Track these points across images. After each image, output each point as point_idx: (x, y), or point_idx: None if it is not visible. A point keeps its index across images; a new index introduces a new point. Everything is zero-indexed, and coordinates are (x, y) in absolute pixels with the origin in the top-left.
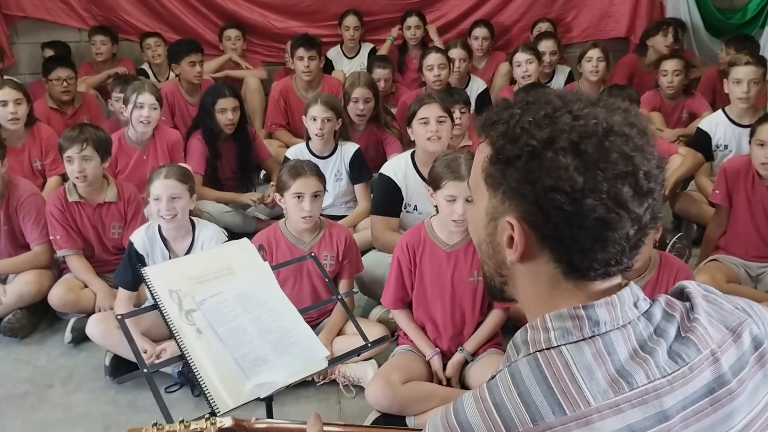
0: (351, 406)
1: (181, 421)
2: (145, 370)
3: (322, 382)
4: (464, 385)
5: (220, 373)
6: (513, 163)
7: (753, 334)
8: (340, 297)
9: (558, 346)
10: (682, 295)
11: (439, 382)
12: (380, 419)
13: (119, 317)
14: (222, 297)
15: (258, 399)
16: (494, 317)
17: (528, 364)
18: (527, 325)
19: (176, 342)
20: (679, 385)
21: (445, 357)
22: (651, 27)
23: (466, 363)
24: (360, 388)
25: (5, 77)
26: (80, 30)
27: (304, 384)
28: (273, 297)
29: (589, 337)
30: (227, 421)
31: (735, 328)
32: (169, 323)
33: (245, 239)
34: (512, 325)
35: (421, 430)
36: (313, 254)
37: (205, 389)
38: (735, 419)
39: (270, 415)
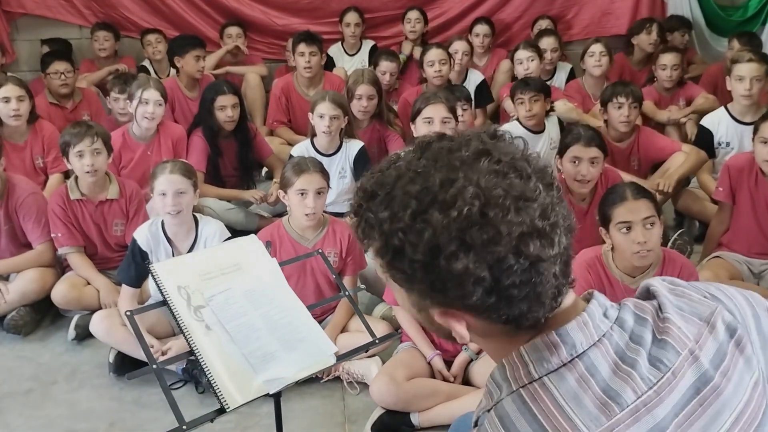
0: (355, 403)
1: None
2: (154, 366)
3: (326, 379)
4: (468, 382)
5: (229, 369)
6: (412, 276)
7: (726, 322)
8: (347, 294)
9: (540, 378)
10: (648, 294)
11: (444, 380)
12: (385, 416)
13: (128, 313)
14: (231, 293)
15: (267, 395)
16: None
17: (514, 402)
18: (503, 360)
19: (185, 338)
20: (666, 394)
21: (446, 354)
22: (635, 26)
23: (469, 361)
24: (364, 385)
25: (8, 74)
26: (81, 27)
27: (309, 381)
28: (281, 293)
29: (569, 362)
30: None
31: (708, 319)
32: (178, 319)
33: (253, 235)
34: None
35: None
36: (320, 251)
37: (214, 385)
38: (725, 414)
39: (278, 410)
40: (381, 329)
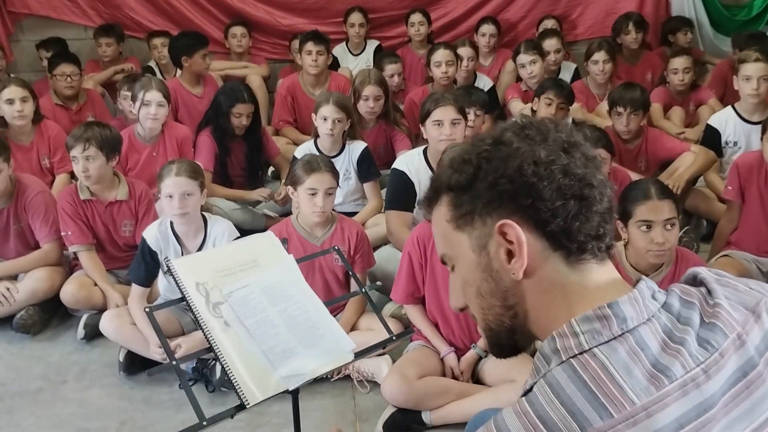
0: (366, 402)
1: None
2: (174, 363)
3: (337, 378)
4: (478, 381)
5: (248, 366)
6: (477, 176)
7: None
8: (364, 290)
9: (590, 348)
10: (695, 281)
11: (455, 378)
12: (396, 414)
13: (147, 309)
14: (249, 289)
15: (286, 391)
16: None
17: (564, 371)
18: (553, 333)
19: (204, 334)
20: (714, 372)
21: (458, 352)
22: (615, 25)
23: (479, 359)
24: (374, 384)
25: (11, 75)
26: (86, 28)
27: (319, 379)
28: (299, 290)
29: (620, 335)
30: None
31: (754, 308)
32: (197, 316)
33: (270, 232)
34: None
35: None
36: (336, 247)
37: (233, 381)
38: (766, 403)
39: (296, 407)
40: (392, 327)
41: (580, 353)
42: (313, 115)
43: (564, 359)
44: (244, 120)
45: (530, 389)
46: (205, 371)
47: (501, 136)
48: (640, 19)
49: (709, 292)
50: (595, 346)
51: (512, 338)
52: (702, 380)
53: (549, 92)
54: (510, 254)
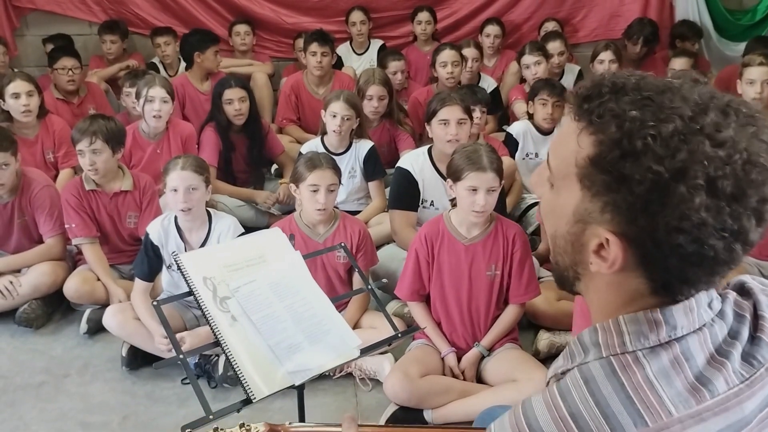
0: (368, 400)
1: (216, 429)
2: (181, 356)
3: (339, 375)
4: (480, 380)
5: (255, 361)
6: (628, 182)
7: None
8: (370, 287)
9: (634, 351)
10: (743, 290)
11: (456, 377)
12: (398, 412)
13: (155, 303)
14: (256, 285)
15: (291, 387)
16: (511, 312)
17: (602, 368)
18: (596, 325)
19: (211, 329)
20: (758, 389)
21: (461, 351)
22: (628, 30)
23: (482, 358)
24: (376, 382)
25: (15, 70)
26: (90, 23)
27: (321, 377)
28: (305, 286)
29: (666, 342)
30: (261, 427)
31: None
32: (204, 310)
33: (277, 228)
34: (527, 321)
35: (444, 425)
36: (343, 244)
37: (240, 376)
38: None
39: (302, 402)
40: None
41: (622, 353)
42: (322, 111)
43: (604, 355)
44: (236, 105)
45: (562, 375)
46: (208, 367)
47: (688, 167)
48: (651, 36)
49: (756, 303)
50: (639, 350)
51: (571, 287)
52: (745, 397)
53: (542, 93)
54: (599, 253)
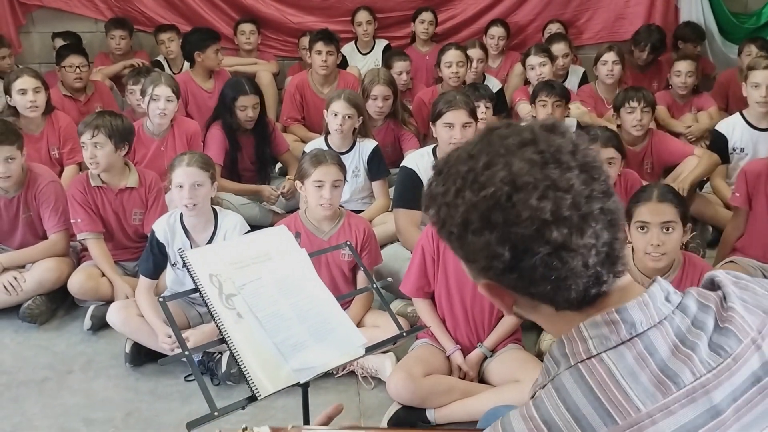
0: (370, 398)
1: None
2: (186, 353)
3: (341, 374)
4: (483, 380)
5: (260, 358)
6: (452, 244)
7: None
8: (376, 286)
9: (598, 354)
10: (713, 285)
11: (463, 377)
12: (401, 411)
13: (161, 299)
14: (261, 282)
15: (296, 385)
16: None
17: (571, 376)
18: (562, 336)
19: (216, 326)
20: (725, 378)
21: (464, 350)
22: (637, 35)
23: (484, 359)
24: (378, 381)
25: (20, 66)
26: (96, 21)
27: (324, 376)
28: (311, 284)
29: (628, 340)
30: (264, 430)
31: None
32: (210, 307)
33: (283, 226)
34: (530, 322)
35: (446, 425)
36: (348, 242)
37: (245, 373)
38: None
39: (306, 400)
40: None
41: (588, 358)
42: (324, 111)
43: (572, 364)
44: (249, 112)
45: (536, 394)
46: (211, 364)
47: (466, 218)
48: (659, 43)
49: (725, 296)
50: (603, 351)
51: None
52: (712, 387)
53: (541, 94)
54: (494, 299)
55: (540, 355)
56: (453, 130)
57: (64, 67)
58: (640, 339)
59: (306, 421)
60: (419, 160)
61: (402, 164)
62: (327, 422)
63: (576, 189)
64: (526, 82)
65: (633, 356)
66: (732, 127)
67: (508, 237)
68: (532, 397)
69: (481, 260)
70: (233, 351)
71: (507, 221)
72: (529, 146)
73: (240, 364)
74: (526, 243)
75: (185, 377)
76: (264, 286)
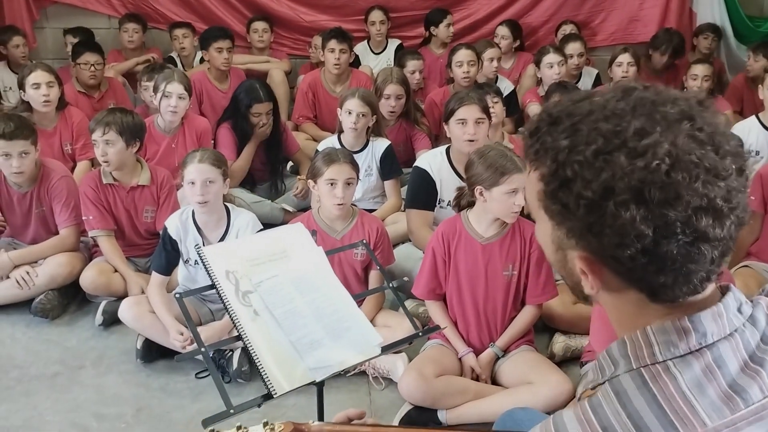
0: (381, 399)
1: (239, 427)
2: (203, 350)
3: (352, 373)
4: (495, 382)
5: (276, 356)
6: (570, 209)
7: None
8: (391, 286)
9: (664, 361)
10: None
11: (474, 379)
12: (412, 412)
13: (177, 296)
14: (278, 280)
15: (312, 383)
16: (527, 313)
17: (633, 381)
18: (624, 337)
19: (233, 322)
20: None
21: (476, 351)
22: (656, 38)
23: (497, 359)
24: (389, 381)
25: (34, 61)
26: (109, 17)
27: (334, 375)
28: (327, 282)
29: (696, 350)
30: (286, 427)
31: None
32: (226, 304)
33: (299, 224)
34: (542, 324)
35: (458, 426)
36: (364, 241)
37: (261, 371)
38: None
39: (321, 399)
40: (407, 325)
41: (653, 364)
42: (338, 109)
43: (634, 367)
44: (263, 119)
45: (593, 391)
46: (222, 362)
47: (611, 186)
48: (679, 47)
49: None
50: (670, 359)
51: (587, 299)
52: None
53: (554, 96)
54: (585, 276)
55: (552, 358)
56: (466, 126)
57: (79, 64)
58: (709, 350)
59: (321, 419)
60: (432, 161)
61: (415, 164)
62: (347, 422)
63: (731, 179)
64: (537, 83)
65: (701, 368)
66: (747, 130)
67: (657, 217)
68: (586, 396)
69: (614, 236)
70: (249, 348)
71: (661, 200)
72: (687, 120)
73: (256, 361)
74: (673, 227)
75: (196, 374)
76: (281, 284)
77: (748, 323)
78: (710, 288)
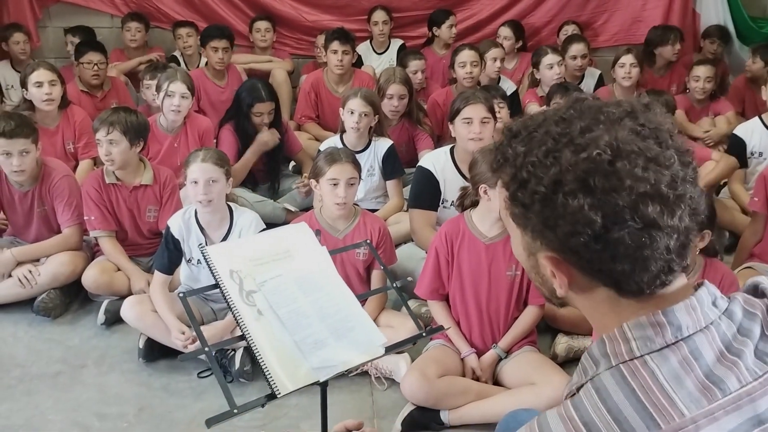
0: (383, 399)
1: None
2: (206, 349)
3: (355, 373)
4: (497, 382)
5: (280, 355)
6: (529, 208)
7: None
8: (396, 285)
9: (642, 356)
10: (757, 292)
11: (476, 379)
12: (414, 412)
13: (181, 295)
14: (282, 279)
15: (315, 383)
16: (530, 314)
17: (612, 377)
18: (603, 336)
19: (236, 322)
20: None
21: (478, 351)
22: (656, 37)
23: (499, 360)
24: (392, 381)
25: (36, 60)
26: (112, 16)
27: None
28: (331, 282)
29: (673, 343)
30: None
31: None
32: (230, 303)
33: (303, 223)
34: (545, 324)
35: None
36: (368, 241)
37: (264, 370)
38: None
39: (324, 399)
40: (410, 326)
41: (631, 359)
42: (340, 109)
43: (613, 364)
44: (265, 118)
45: (576, 391)
46: (224, 361)
47: (559, 179)
48: (680, 35)
49: None
50: (647, 354)
51: (563, 306)
52: (758, 395)
53: (555, 97)
54: (554, 274)
55: (555, 358)
56: (472, 125)
57: (82, 63)
58: (685, 343)
59: (324, 421)
60: (436, 161)
61: (418, 164)
62: None
63: (674, 168)
64: (536, 84)
65: (678, 360)
66: (751, 131)
67: (604, 204)
68: (569, 396)
69: (567, 225)
70: (253, 348)
71: (606, 187)
72: (629, 117)
73: (260, 361)
74: (621, 213)
75: (198, 374)
76: (284, 283)
77: (723, 316)
78: (680, 282)
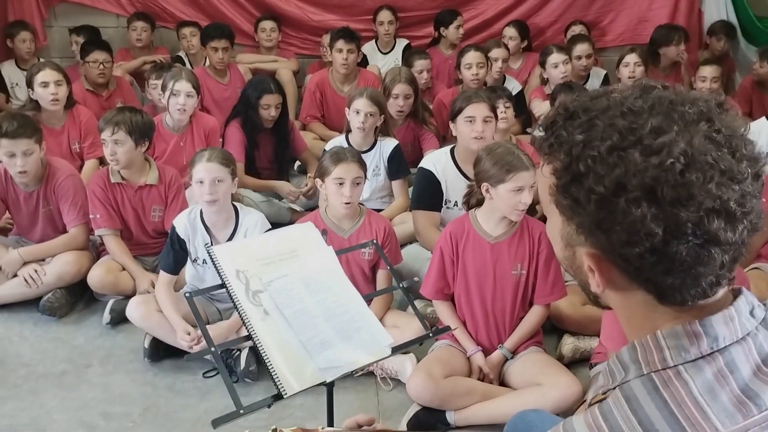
0: (389, 399)
1: None
2: (213, 349)
3: (360, 374)
4: (503, 383)
5: (286, 356)
6: (581, 204)
7: None
8: (402, 286)
9: (675, 366)
10: None
11: (482, 379)
12: (420, 413)
13: (187, 295)
14: (288, 279)
15: (322, 384)
16: (536, 313)
17: (644, 386)
18: (634, 341)
19: (243, 322)
20: None
21: (484, 352)
22: (660, 36)
23: (505, 360)
24: (397, 381)
25: (41, 59)
26: (118, 16)
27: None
28: (337, 282)
29: (708, 354)
30: None
31: None
32: (236, 303)
33: (309, 223)
34: (551, 325)
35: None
36: (375, 241)
37: (271, 371)
38: None
39: (330, 400)
40: (416, 326)
41: (663, 369)
42: (346, 108)
43: (644, 372)
44: (272, 111)
45: (604, 396)
46: (230, 361)
47: (623, 183)
48: (685, 34)
49: None
50: (681, 364)
51: (597, 302)
52: None
53: (559, 97)
54: (592, 271)
55: (561, 359)
56: (474, 123)
57: (87, 62)
58: (721, 354)
59: (330, 421)
60: (437, 161)
61: (420, 165)
62: (356, 428)
63: (746, 183)
64: (544, 83)
65: (713, 372)
66: (758, 132)
67: (669, 216)
68: (596, 402)
69: (623, 233)
70: (259, 348)
71: (673, 199)
72: (705, 121)
73: (266, 361)
74: (683, 228)
75: (203, 374)
76: (291, 283)
77: (761, 327)
78: (721, 291)
